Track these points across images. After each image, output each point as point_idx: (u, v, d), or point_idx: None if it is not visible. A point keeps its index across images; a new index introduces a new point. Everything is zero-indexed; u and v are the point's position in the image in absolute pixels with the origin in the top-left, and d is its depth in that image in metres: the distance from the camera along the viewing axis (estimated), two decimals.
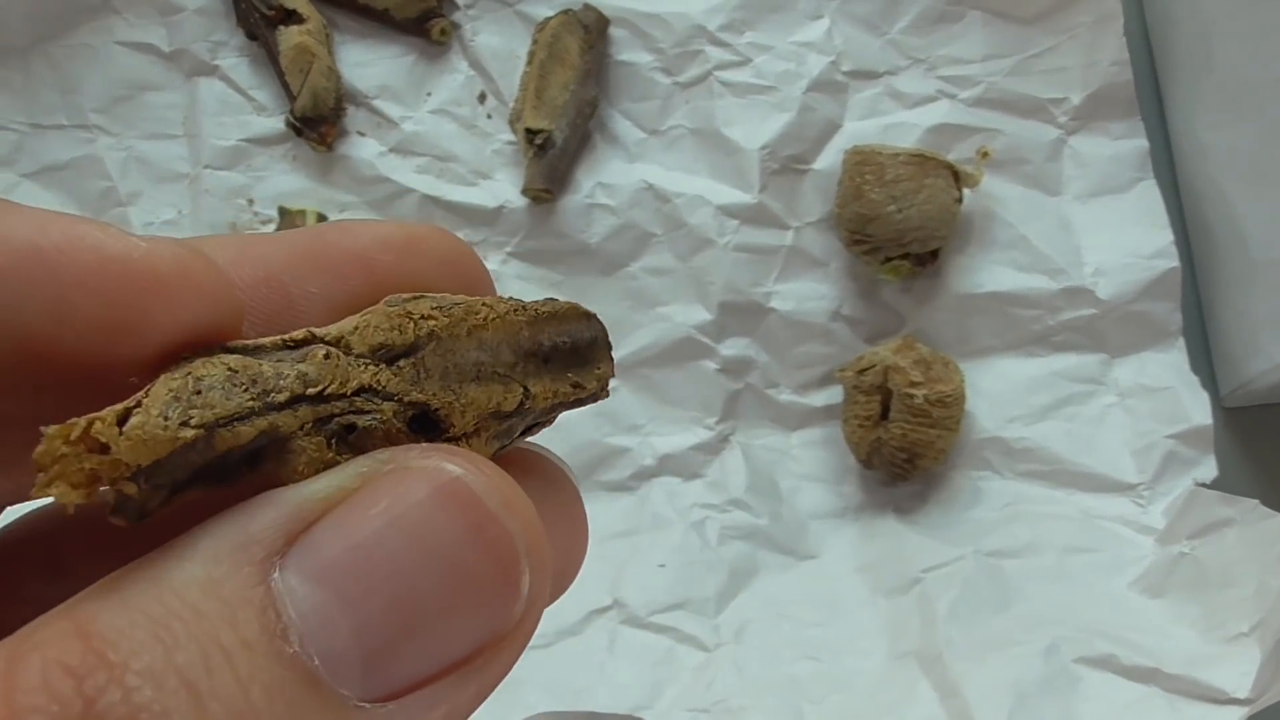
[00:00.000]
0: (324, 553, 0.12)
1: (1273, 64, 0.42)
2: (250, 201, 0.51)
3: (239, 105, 0.53)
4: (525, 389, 0.16)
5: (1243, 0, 0.44)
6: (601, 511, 0.48)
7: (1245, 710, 0.36)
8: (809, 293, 0.49)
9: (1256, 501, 0.40)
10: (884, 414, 0.46)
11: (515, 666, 0.41)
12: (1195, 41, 0.49)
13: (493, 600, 0.13)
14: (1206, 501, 0.42)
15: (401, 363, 0.15)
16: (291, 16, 0.51)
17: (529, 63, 0.51)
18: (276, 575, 0.12)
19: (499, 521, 0.13)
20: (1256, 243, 0.45)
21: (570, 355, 0.17)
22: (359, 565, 0.12)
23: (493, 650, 0.13)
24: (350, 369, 0.15)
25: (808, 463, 0.48)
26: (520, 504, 0.13)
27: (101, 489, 0.13)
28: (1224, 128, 0.47)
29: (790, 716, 0.40)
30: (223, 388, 0.14)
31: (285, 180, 0.52)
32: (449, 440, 0.15)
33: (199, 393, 0.14)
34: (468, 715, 0.13)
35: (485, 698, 0.13)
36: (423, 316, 0.15)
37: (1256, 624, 0.37)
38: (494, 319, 0.16)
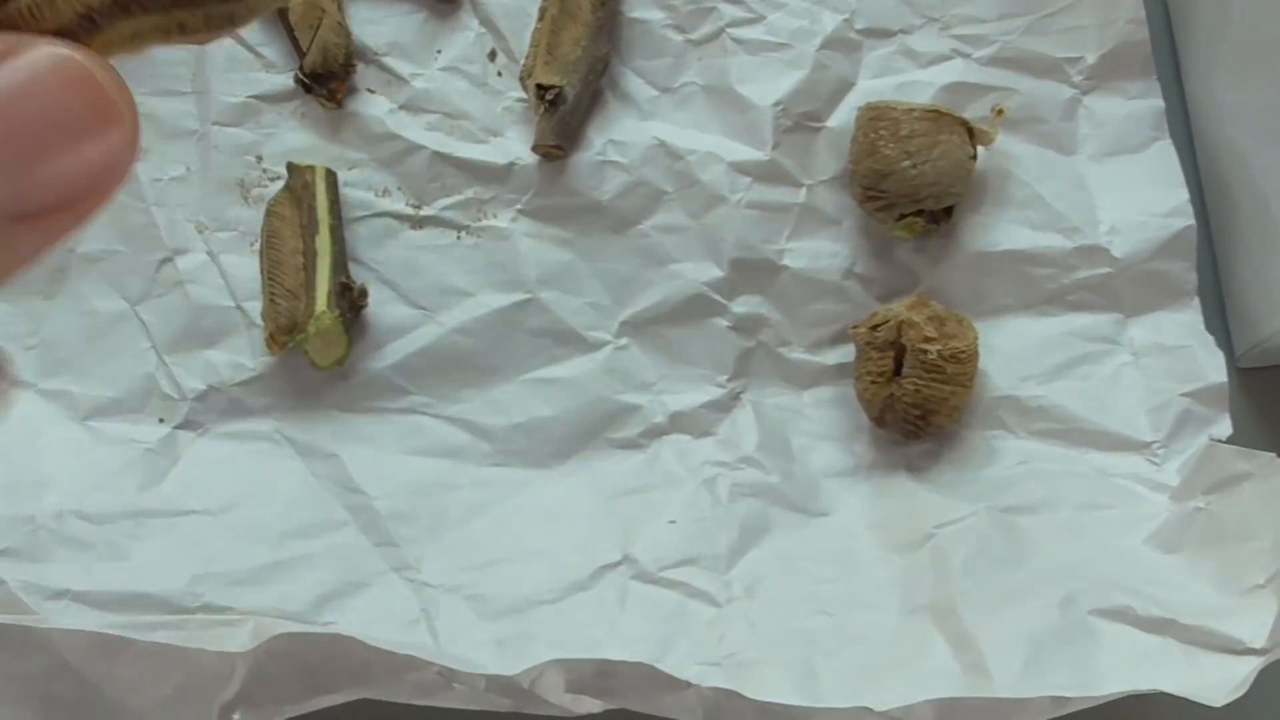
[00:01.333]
0: None
1: None
2: (259, 159, 0.51)
3: (248, 62, 0.52)
4: None
5: None
6: (612, 468, 0.47)
7: (1261, 660, 0.35)
8: (821, 250, 0.49)
9: (1273, 455, 0.40)
10: (897, 370, 0.45)
11: (527, 620, 0.41)
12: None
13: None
14: (1223, 456, 0.42)
15: None
16: None
17: (540, 19, 0.50)
18: None
19: (85, 67, 0.16)
20: (1275, 201, 0.45)
21: None
22: None
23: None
24: None
25: (820, 421, 0.48)
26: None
27: None
28: (1242, 86, 0.47)
29: (803, 669, 0.40)
30: None
31: (294, 137, 0.51)
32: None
33: None
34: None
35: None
36: None
37: (1273, 575, 0.37)
38: None
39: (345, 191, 0.50)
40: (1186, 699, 0.34)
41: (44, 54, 0.16)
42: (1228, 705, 0.35)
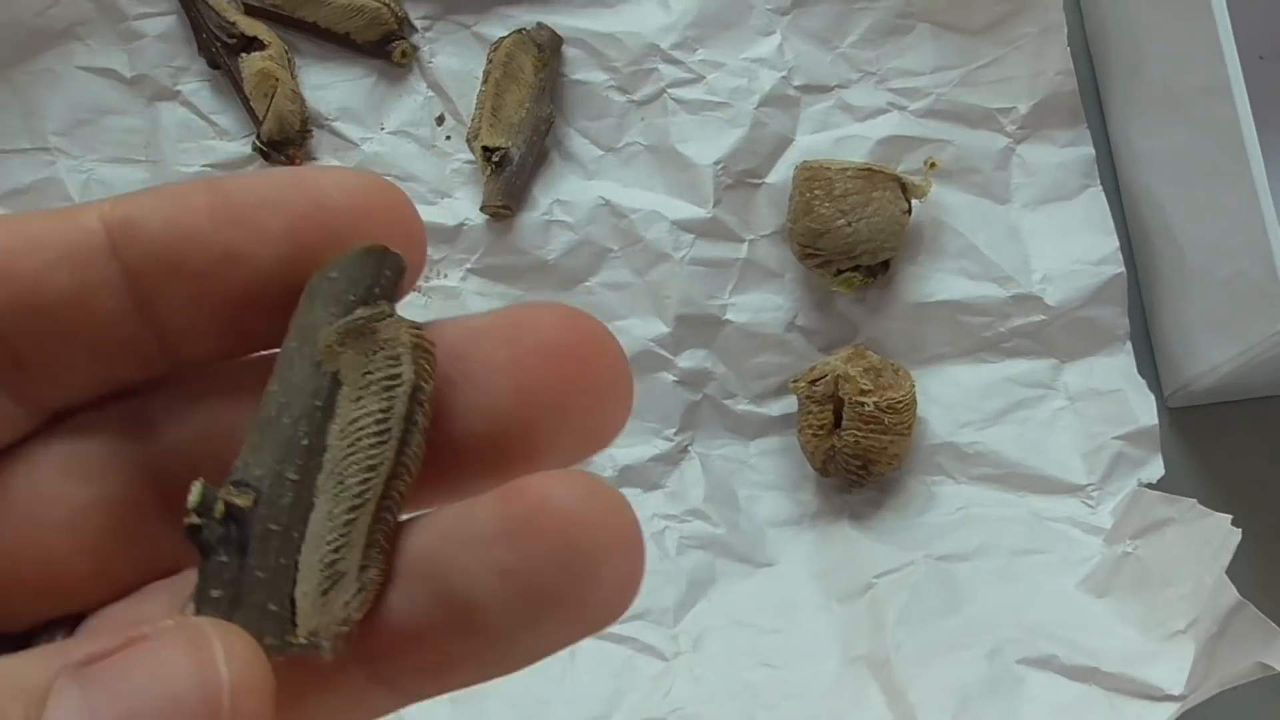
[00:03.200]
0: (102, 686, 0.14)
1: (1199, 72, 0.43)
2: None
3: (201, 130, 0.53)
4: None
5: (1170, 10, 0.45)
6: None
7: (1179, 706, 0.37)
8: (764, 304, 0.50)
9: (1194, 501, 0.41)
10: (837, 423, 0.47)
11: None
12: (1128, 50, 0.50)
13: None
14: (1149, 502, 0.43)
15: None
16: (253, 43, 0.52)
17: (484, 82, 0.51)
18: (62, 680, 0.14)
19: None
20: (1190, 248, 0.46)
21: None
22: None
23: None
24: None
25: (765, 471, 0.49)
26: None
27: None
28: (1157, 135, 0.48)
29: None
30: None
31: None
32: None
33: None
34: None
35: None
36: None
37: (1192, 621, 0.38)
38: None
39: None
40: None
41: None
42: None
